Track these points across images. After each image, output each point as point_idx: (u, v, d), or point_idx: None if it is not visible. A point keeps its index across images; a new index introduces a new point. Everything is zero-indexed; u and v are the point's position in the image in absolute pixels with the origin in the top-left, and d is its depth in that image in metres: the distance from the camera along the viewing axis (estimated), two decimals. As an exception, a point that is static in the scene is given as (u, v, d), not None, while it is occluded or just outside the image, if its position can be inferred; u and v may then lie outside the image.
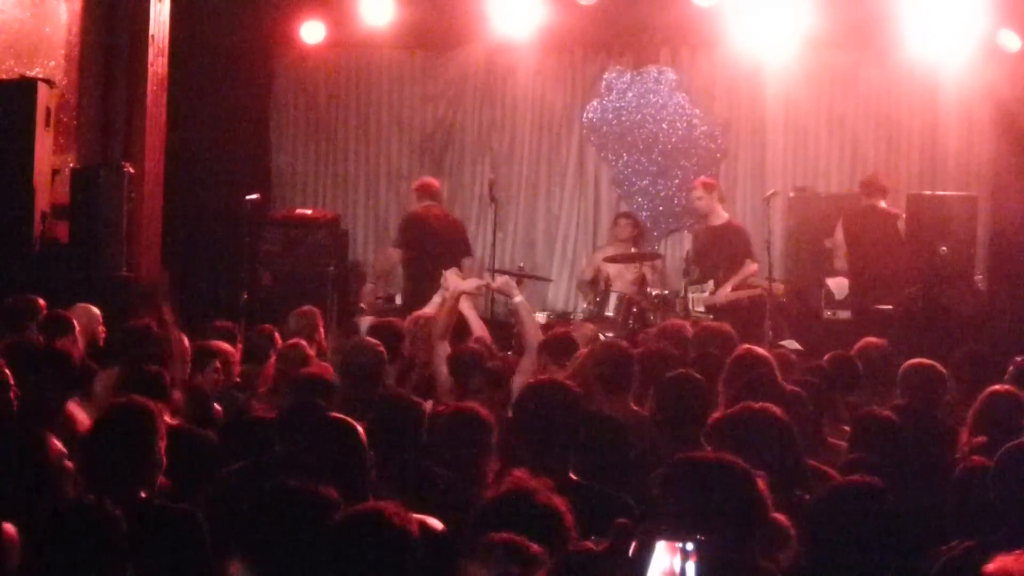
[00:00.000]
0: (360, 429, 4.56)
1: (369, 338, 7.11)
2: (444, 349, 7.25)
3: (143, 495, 4.36)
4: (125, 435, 4.42)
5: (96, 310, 8.28)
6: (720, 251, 11.33)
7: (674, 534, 3.21)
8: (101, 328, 8.17)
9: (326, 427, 4.61)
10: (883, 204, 11.35)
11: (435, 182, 11.95)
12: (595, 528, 3.94)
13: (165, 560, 3.79)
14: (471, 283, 8.34)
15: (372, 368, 6.59)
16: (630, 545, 3.22)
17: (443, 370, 7.03)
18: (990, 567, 3.34)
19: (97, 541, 3.56)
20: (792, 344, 9.27)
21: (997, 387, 5.91)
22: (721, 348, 7.29)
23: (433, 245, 11.21)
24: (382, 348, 6.75)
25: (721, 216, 11.51)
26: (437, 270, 9.05)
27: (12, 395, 5.29)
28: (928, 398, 6.47)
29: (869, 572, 3.39)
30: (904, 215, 11.30)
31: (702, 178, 12.01)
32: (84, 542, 3.55)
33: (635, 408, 6.22)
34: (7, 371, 5.27)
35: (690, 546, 3.21)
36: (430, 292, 8.99)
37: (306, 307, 8.68)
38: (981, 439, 5.40)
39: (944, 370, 6.74)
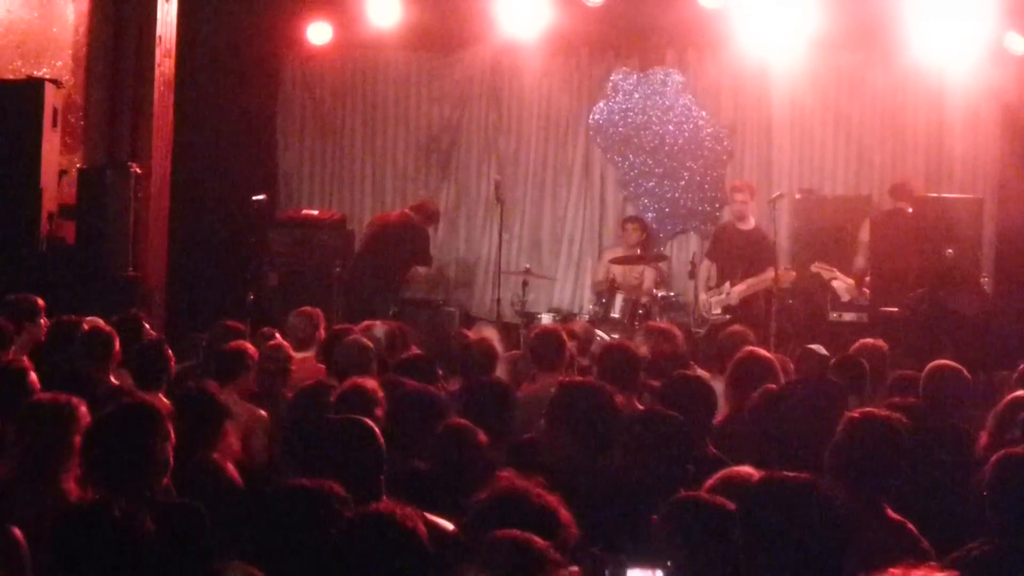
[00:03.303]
0: (375, 428, 4.56)
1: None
2: None
3: (148, 493, 4.37)
4: (130, 434, 4.42)
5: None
6: (747, 255, 11.56)
7: (645, 562, 3.19)
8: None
9: (339, 426, 4.62)
10: (910, 210, 11.30)
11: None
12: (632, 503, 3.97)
13: (173, 555, 3.78)
14: None
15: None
16: (602, 573, 3.20)
17: None
18: None
19: (108, 539, 3.55)
20: (820, 350, 9.27)
21: (1020, 392, 5.90)
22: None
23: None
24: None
25: (751, 221, 11.65)
26: None
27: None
28: (946, 401, 6.42)
29: (792, 565, 3.34)
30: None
31: (747, 181, 12.16)
32: (96, 541, 3.54)
33: (639, 407, 6.19)
34: (33, 375, 5.29)
35: (660, 574, 3.19)
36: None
37: (307, 307, 8.61)
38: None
39: (967, 374, 6.68)
